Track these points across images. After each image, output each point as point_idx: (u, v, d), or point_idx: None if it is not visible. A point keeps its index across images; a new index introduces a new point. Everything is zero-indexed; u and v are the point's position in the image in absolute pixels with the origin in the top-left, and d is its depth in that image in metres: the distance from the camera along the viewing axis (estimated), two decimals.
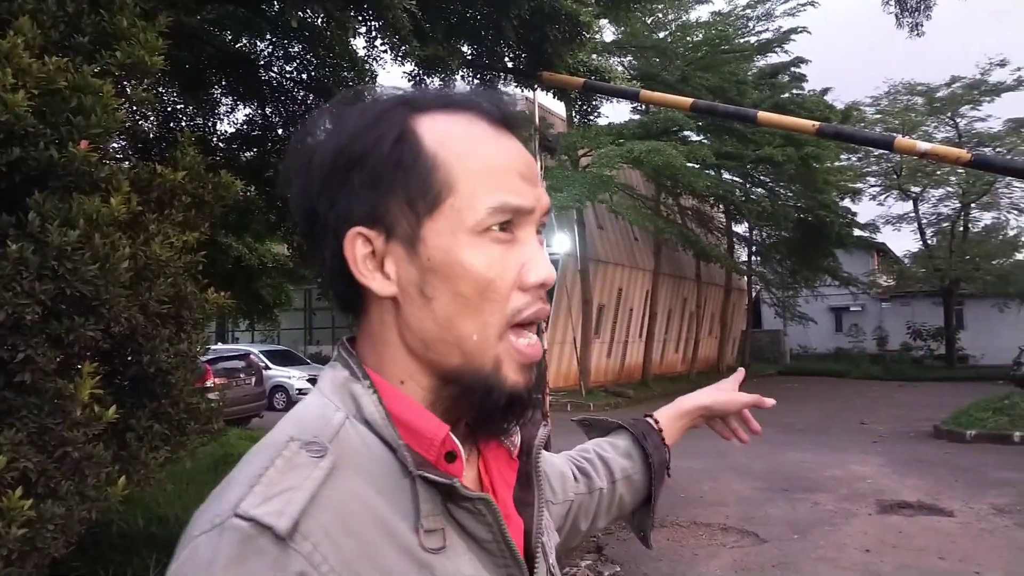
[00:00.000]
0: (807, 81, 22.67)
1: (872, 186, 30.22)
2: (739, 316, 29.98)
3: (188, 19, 4.65)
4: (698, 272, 25.01)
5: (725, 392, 1.17)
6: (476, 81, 5.97)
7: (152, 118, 5.38)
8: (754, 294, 30.96)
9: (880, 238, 30.48)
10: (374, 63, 6.01)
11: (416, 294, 0.64)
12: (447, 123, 0.65)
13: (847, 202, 27.25)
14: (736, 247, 28.03)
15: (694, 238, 22.00)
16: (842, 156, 25.21)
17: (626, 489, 1.06)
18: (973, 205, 29.15)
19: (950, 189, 29.13)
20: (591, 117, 6.71)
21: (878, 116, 27.62)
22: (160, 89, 5.18)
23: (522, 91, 6.55)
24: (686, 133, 19.78)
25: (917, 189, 29.89)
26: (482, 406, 0.65)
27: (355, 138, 0.65)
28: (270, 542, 0.54)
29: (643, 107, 21.26)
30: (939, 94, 27.52)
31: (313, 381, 17.79)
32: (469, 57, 5.76)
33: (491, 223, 0.63)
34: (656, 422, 1.12)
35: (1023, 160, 22.22)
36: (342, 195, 0.65)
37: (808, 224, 24.15)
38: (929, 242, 30.50)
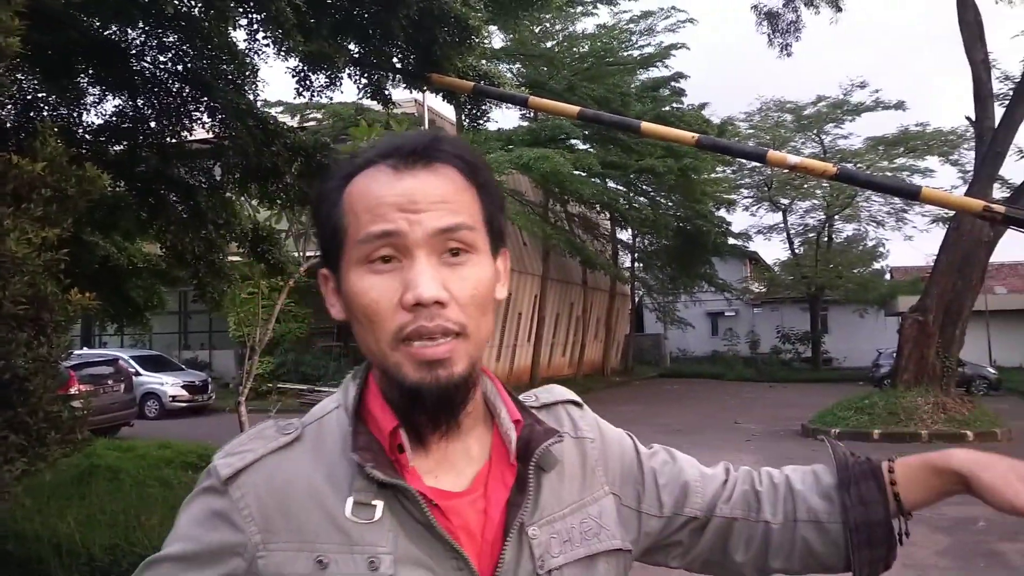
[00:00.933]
0: (686, 95, 23.64)
1: (745, 197, 31.88)
2: (623, 320, 30.86)
3: (51, 0, 4.34)
4: (584, 278, 25.60)
5: (1001, 475, 0.85)
6: (363, 80, 5.87)
7: (9, 105, 4.99)
8: (637, 299, 31.99)
9: (752, 247, 32.22)
10: (256, 57, 5.81)
11: (349, 319, 0.79)
12: (360, 179, 0.78)
13: (722, 212, 28.59)
14: (620, 254, 28.88)
15: (581, 244, 22.50)
16: (718, 168, 26.42)
17: (814, 535, 0.90)
18: (836, 217, 31.23)
19: (816, 202, 31.11)
20: (481, 121, 6.73)
21: (751, 131, 29.19)
22: (18, 75, 4.81)
23: (411, 92, 6.50)
24: (573, 141, 20.22)
25: (786, 201, 31.73)
26: (403, 400, 0.76)
27: (315, 200, 0.83)
28: (216, 483, 0.76)
29: (532, 114, 21.57)
30: (806, 112, 29.34)
31: (187, 387, 16.73)
32: (356, 55, 5.65)
33: (366, 253, 0.75)
34: (890, 470, 0.90)
35: (882, 176, 24.01)
36: (318, 242, 0.84)
37: (687, 232, 25.18)
38: (797, 251, 32.46)
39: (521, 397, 0.90)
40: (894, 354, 18.59)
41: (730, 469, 0.97)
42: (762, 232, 33.13)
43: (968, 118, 16.32)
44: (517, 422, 0.82)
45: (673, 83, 23.28)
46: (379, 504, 0.74)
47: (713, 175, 26.51)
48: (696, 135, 3.56)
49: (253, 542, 0.74)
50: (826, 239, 31.82)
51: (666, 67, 22.60)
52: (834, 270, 29.71)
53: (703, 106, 24.54)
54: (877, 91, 32.08)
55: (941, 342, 15.34)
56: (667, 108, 22.03)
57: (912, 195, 3.99)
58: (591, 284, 26.30)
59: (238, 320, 7.31)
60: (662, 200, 25.21)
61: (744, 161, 28.74)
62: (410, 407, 0.76)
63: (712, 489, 0.93)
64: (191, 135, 6.20)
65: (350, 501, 0.74)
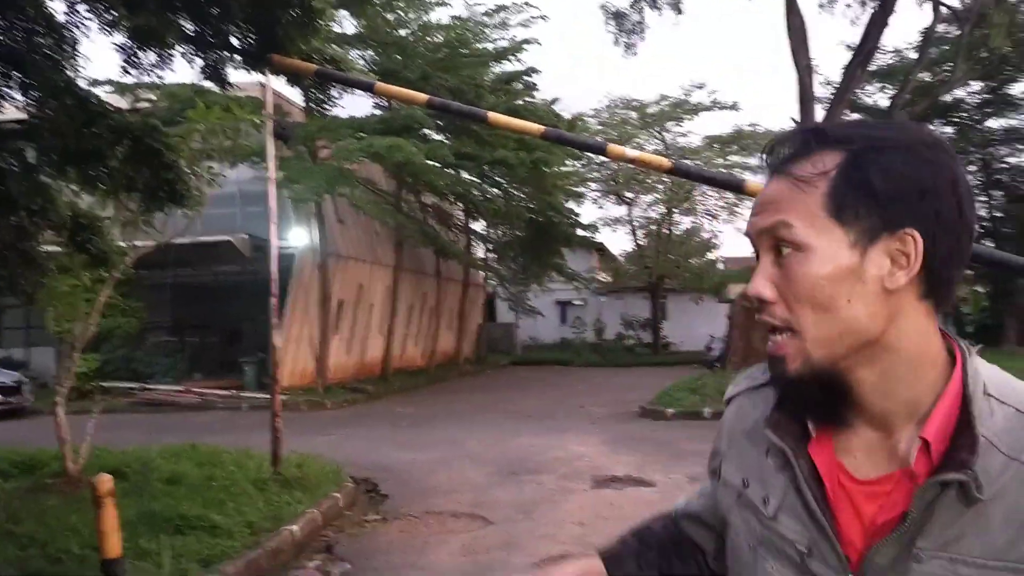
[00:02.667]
0: (538, 90, 24.05)
1: (593, 190, 32.91)
2: (476, 310, 31.09)
3: None
4: (438, 268, 25.56)
5: None
6: (199, 60, 5.56)
7: None
8: (490, 289, 32.35)
9: (599, 238, 33.26)
10: (76, 30, 5.35)
11: None
12: None
13: (572, 204, 29.39)
14: (474, 244, 29.05)
15: (434, 235, 22.42)
16: (568, 162, 27.12)
17: None
18: (675, 210, 32.91)
19: (658, 196, 32.61)
20: (326, 106, 6.55)
21: (600, 127, 30.14)
22: None
23: (251, 74, 6.22)
24: (427, 132, 20.09)
25: (631, 195, 33.07)
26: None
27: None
28: (725, 401, 1.02)
29: (387, 103, 21.25)
30: (650, 110, 30.65)
31: (3, 388, 15.14)
32: (190, 33, 5.34)
33: (753, 250, 0.83)
34: None
35: (713, 171, 25.50)
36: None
37: (538, 224, 25.69)
38: (640, 242, 33.93)
39: (1002, 392, 0.78)
40: (725, 338, 19.94)
41: None
42: (609, 224, 34.35)
43: (793, 119, 17.66)
44: (924, 440, 0.76)
45: (526, 78, 23.59)
46: (783, 459, 0.84)
47: (563, 168, 27.18)
48: (542, 127, 3.62)
49: (723, 447, 0.98)
50: (666, 231, 33.49)
51: (519, 61, 22.91)
52: (673, 260, 31.34)
53: (554, 101, 25.06)
54: (714, 92, 34.20)
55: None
56: (520, 102, 22.30)
57: (737, 188, 4.27)
58: (445, 275, 26.30)
59: (57, 315, 6.74)
60: (515, 192, 25.53)
61: (590, 155, 29.73)
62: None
63: None
64: (1, 114, 5.65)
65: (766, 446, 0.88)
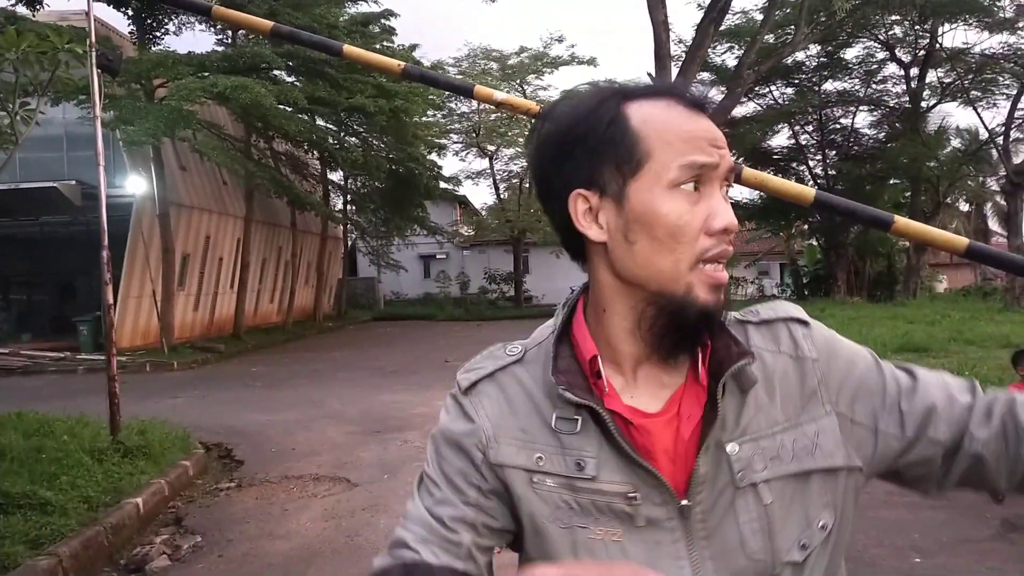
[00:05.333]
0: (397, 35, 23.25)
1: (455, 142, 32.56)
2: (335, 264, 30.18)
3: None
4: (294, 220, 24.44)
5: None
6: None
7: None
8: (350, 243, 31.44)
9: (462, 191, 33.11)
10: None
11: (622, 239, 0.82)
12: (650, 107, 0.82)
13: (434, 156, 28.91)
14: (332, 195, 28.04)
15: (288, 184, 21.34)
16: (429, 112, 26.57)
17: None
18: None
19: (519, 149, 32.69)
20: (157, 34, 5.85)
21: (460, 76, 29.65)
22: None
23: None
24: (277, 73, 18.91)
25: (493, 148, 32.96)
26: (678, 321, 0.81)
27: (578, 121, 0.84)
28: (460, 393, 0.90)
29: (229, 38, 19.78)
30: (510, 61, 30.48)
31: None
32: None
33: (682, 179, 0.80)
34: None
35: None
36: (567, 165, 0.84)
37: (399, 175, 25.08)
38: (502, 196, 33.99)
39: (742, 312, 0.92)
40: None
41: (977, 389, 0.90)
42: (471, 177, 34.21)
43: (650, 75, 17.98)
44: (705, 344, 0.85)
45: (384, 20, 22.72)
46: (579, 419, 0.83)
47: (425, 119, 26.62)
48: (402, 64, 3.21)
49: (487, 435, 0.87)
50: (527, 185, 33.71)
51: (376, 3, 21.98)
52: (534, 215, 31.62)
53: (414, 47, 24.34)
54: (573, 46, 34.38)
55: None
56: (377, 46, 21.47)
57: None
58: (301, 227, 25.21)
59: None
60: (375, 141, 24.75)
61: (454, 105, 29.27)
62: (678, 327, 0.82)
63: (959, 414, 0.87)
64: None
65: (555, 414, 0.85)
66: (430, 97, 23.06)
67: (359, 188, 28.22)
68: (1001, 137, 22.66)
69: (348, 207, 28.71)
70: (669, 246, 0.80)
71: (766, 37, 20.98)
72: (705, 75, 26.60)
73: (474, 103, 25.87)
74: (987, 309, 19.71)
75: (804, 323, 0.91)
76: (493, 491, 0.87)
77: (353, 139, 24.00)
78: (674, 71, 17.96)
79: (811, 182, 28.84)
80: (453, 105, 29.33)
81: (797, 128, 28.79)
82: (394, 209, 27.24)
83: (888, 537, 4.53)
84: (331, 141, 22.03)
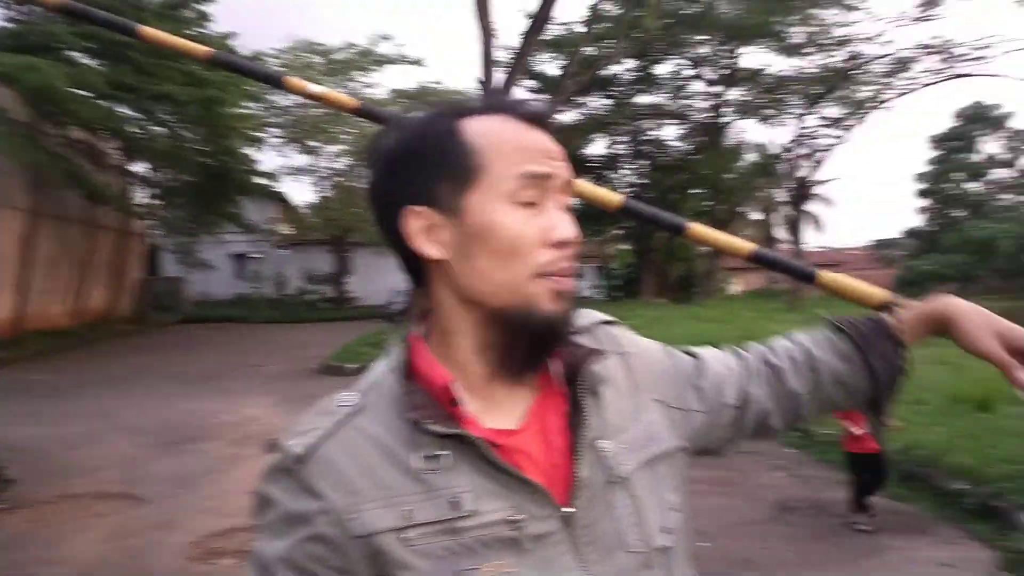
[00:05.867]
0: (212, 21, 21.88)
1: (275, 136, 31.17)
2: (136, 263, 27.95)
3: None
4: (88, 215, 22.30)
5: (977, 326, 0.97)
6: None
7: None
8: (154, 240, 29.23)
9: (281, 188, 31.75)
10: None
11: (461, 256, 0.80)
12: (486, 121, 0.82)
13: (250, 150, 27.53)
14: (134, 188, 25.92)
15: (83, 176, 19.43)
16: (246, 104, 25.26)
17: (839, 392, 1.03)
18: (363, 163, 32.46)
19: (344, 146, 31.90)
20: None
21: (282, 69, 28.45)
22: None
23: None
24: (73, 54, 17.19)
25: (316, 144, 31.92)
26: (525, 336, 0.80)
27: (412, 136, 0.83)
28: (290, 463, 0.78)
29: (18, 14, 17.79)
30: (336, 56, 29.66)
31: None
32: None
33: (517, 190, 0.79)
34: (891, 326, 1.03)
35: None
36: (401, 182, 0.83)
37: (211, 169, 23.61)
38: (325, 194, 33.03)
39: None
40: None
41: (742, 354, 1.06)
42: (291, 173, 32.90)
43: (480, 80, 18.16)
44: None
45: (196, 5, 21.30)
46: (445, 453, 0.78)
47: (241, 110, 25.28)
48: (209, 49, 2.97)
49: (340, 507, 0.76)
50: (352, 184, 32.97)
51: None
52: (358, 214, 30.95)
53: (231, 35, 23.01)
54: (401, 45, 34.08)
55: None
56: (191, 32, 20.10)
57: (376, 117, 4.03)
58: (97, 223, 23.08)
59: None
60: (185, 132, 23.14)
61: (274, 98, 28.05)
62: (526, 340, 0.80)
63: (739, 377, 1.02)
64: None
65: (417, 456, 0.78)
66: (247, 88, 21.93)
67: (166, 181, 26.28)
68: (788, 153, 25.01)
69: (153, 201, 26.66)
70: (508, 260, 0.79)
71: (586, 49, 21.86)
72: (531, 82, 27.36)
73: (298, 97, 24.85)
74: (773, 309, 21.66)
75: (613, 323, 0.99)
76: (364, 570, 0.76)
77: (160, 128, 22.31)
78: (501, 76, 18.26)
79: (625, 189, 30.42)
80: (273, 98, 28.06)
81: (612, 138, 30.28)
82: (205, 205, 25.58)
83: None
84: (134, 130, 20.35)
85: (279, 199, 33.81)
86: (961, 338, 0.98)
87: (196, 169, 23.34)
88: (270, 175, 29.22)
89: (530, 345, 0.81)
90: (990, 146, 34.20)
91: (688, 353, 1.03)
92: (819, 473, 5.94)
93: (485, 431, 0.80)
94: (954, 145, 34.16)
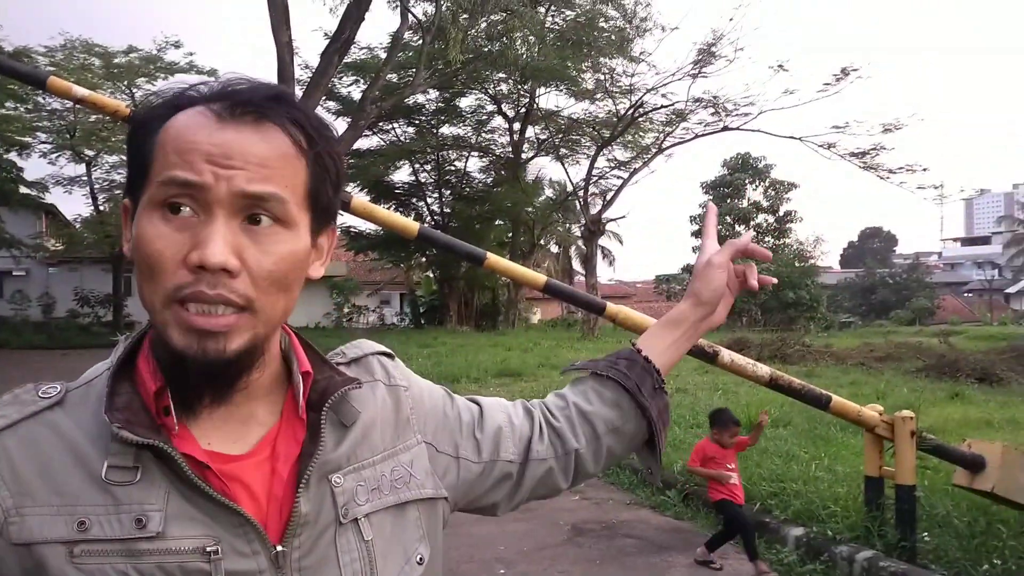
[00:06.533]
0: None
1: (43, 143, 28.22)
2: None
3: None
4: None
5: (702, 265, 1.06)
6: None
7: None
8: None
9: (49, 199, 28.79)
10: None
11: (133, 260, 0.72)
12: (183, 116, 0.72)
13: (13, 156, 24.72)
14: None
15: None
16: (8, 104, 22.72)
17: (614, 441, 1.02)
18: None
19: (123, 156, 29.44)
20: None
21: (52, 69, 25.87)
22: None
23: None
24: None
25: (92, 152, 29.27)
26: (170, 363, 0.72)
27: (134, 127, 0.75)
28: None
29: None
30: (117, 60, 27.46)
31: None
32: None
33: (163, 197, 0.69)
34: (645, 358, 1.03)
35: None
36: (128, 169, 0.75)
37: None
38: (102, 207, 30.30)
39: (328, 355, 0.87)
40: None
41: (532, 410, 1.02)
42: (62, 183, 29.88)
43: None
44: (306, 374, 0.80)
45: None
46: (139, 466, 0.70)
47: (3, 111, 22.69)
48: None
49: (3, 507, 0.68)
50: None
51: None
52: None
53: None
54: (192, 54, 32.23)
55: None
56: None
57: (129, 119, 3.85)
58: None
59: None
60: None
61: (43, 99, 25.46)
62: (175, 372, 0.72)
63: (522, 433, 0.98)
64: None
65: (106, 463, 0.70)
66: (10, 87, 19.76)
67: None
68: (582, 191, 26.52)
69: None
70: (148, 277, 0.70)
71: (390, 76, 21.92)
72: (331, 104, 26.92)
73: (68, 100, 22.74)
74: (569, 338, 22.76)
75: (390, 356, 0.94)
76: None
77: None
78: (299, 94, 17.80)
79: (428, 218, 30.69)
80: (41, 99, 25.43)
81: (417, 166, 30.50)
82: None
83: (477, 551, 4.86)
84: None
85: (47, 211, 30.59)
86: (711, 281, 1.04)
87: None
88: (38, 184, 26.41)
89: (184, 377, 0.72)
90: (755, 193, 38.40)
91: (473, 401, 0.99)
92: (611, 496, 6.28)
93: (199, 450, 0.72)
94: (724, 191, 37.98)
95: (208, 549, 0.70)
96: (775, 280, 1.14)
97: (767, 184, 38.39)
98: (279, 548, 0.72)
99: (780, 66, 21.04)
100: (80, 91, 3.45)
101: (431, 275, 32.58)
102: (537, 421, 1.00)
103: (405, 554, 0.81)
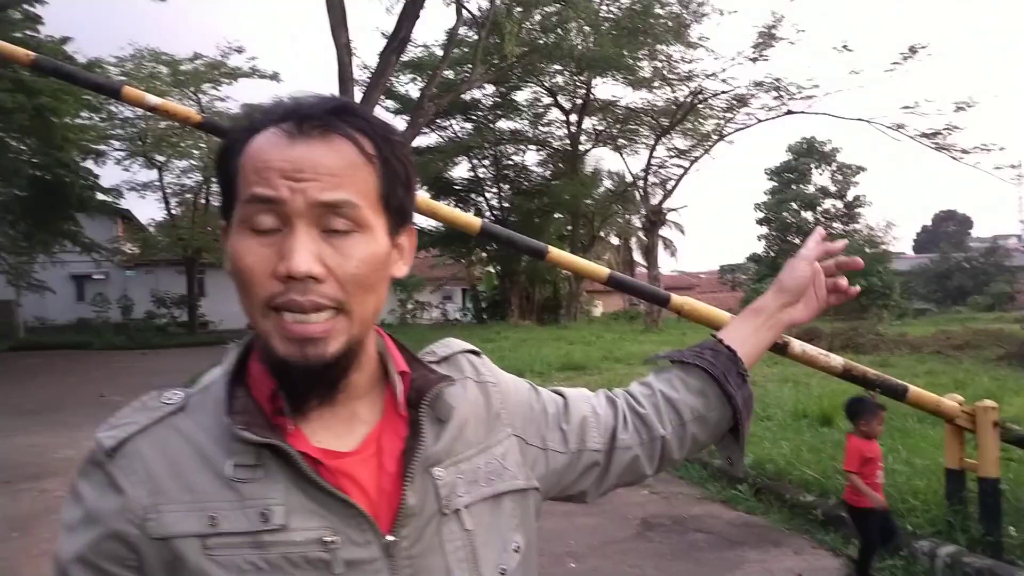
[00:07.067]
0: (43, 24, 20.42)
1: (117, 150, 29.39)
2: None
3: None
4: None
5: (790, 264, 1.10)
6: None
7: None
8: None
9: (125, 204, 29.94)
10: None
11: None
12: (258, 139, 0.76)
13: (90, 163, 25.80)
14: None
15: None
16: (84, 114, 23.67)
17: (699, 429, 1.04)
18: (213, 179, 31.13)
19: (194, 162, 30.48)
20: None
21: (123, 78, 26.88)
22: None
23: None
24: None
25: (163, 158, 30.32)
26: (277, 369, 0.76)
27: (221, 153, 0.81)
28: (100, 455, 0.76)
29: None
30: (183, 67, 28.36)
31: None
32: None
33: (249, 215, 0.74)
34: (729, 348, 1.05)
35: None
36: (220, 192, 0.81)
37: (45, 183, 21.93)
38: (174, 212, 31.38)
39: (420, 353, 0.92)
40: None
41: (615, 399, 1.05)
42: (136, 189, 31.08)
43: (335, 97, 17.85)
44: (403, 373, 0.85)
45: (27, 7, 19.82)
46: (260, 464, 0.75)
47: (78, 121, 23.64)
48: (32, 54, 2.87)
49: (142, 504, 0.74)
50: (203, 201, 31.52)
51: None
52: (211, 232, 29.64)
53: (65, 40, 21.53)
54: (254, 59, 33.11)
55: None
56: (19, 35, 18.66)
57: (216, 130, 3.97)
58: None
59: None
60: (13, 143, 21.37)
61: (116, 108, 26.42)
62: (282, 376, 0.76)
63: (607, 423, 1.01)
64: None
65: (230, 463, 0.75)
66: (85, 97, 20.58)
67: None
68: (641, 181, 26.25)
69: None
70: (243, 290, 0.76)
71: (446, 73, 22.07)
72: (390, 102, 27.27)
73: (140, 108, 23.57)
74: (632, 331, 22.60)
75: (476, 353, 0.97)
76: (162, 574, 0.73)
77: None
78: (359, 94, 18.08)
79: (488, 213, 30.82)
80: (114, 108, 26.43)
81: (475, 162, 30.66)
82: (38, 222, 23.68)
83: (547, 545, 4.87)
84: None
85: (123, 216, 31.83)
86: (797, 279, 1.09)
87: (27, 183, 21.60)
88: (113, 191, 27.49)
89: (291, 379, 0.76)
90: (821, 178, 37.43)
91: (557, 393, 1.02)
92: (681, 490, 6.23)
93: (312, 448, 0.77)
94: (789, 177, 37.07)
95: (326, 540, 0.75)
96: (860, 261, 1.14)
97: (834, 168, 37.36)
98: (390, 538, 0.77)
99: (844, 46, 20.48)
100: (153, 99, 3.58)
101: (492, 270, 32.72)
102: (621, 410, 1.03)
103: (503, 542, 0.85)
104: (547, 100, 28.73)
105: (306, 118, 0.75)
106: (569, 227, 30.98)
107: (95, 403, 12.54)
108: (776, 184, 37.95)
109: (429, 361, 0.91)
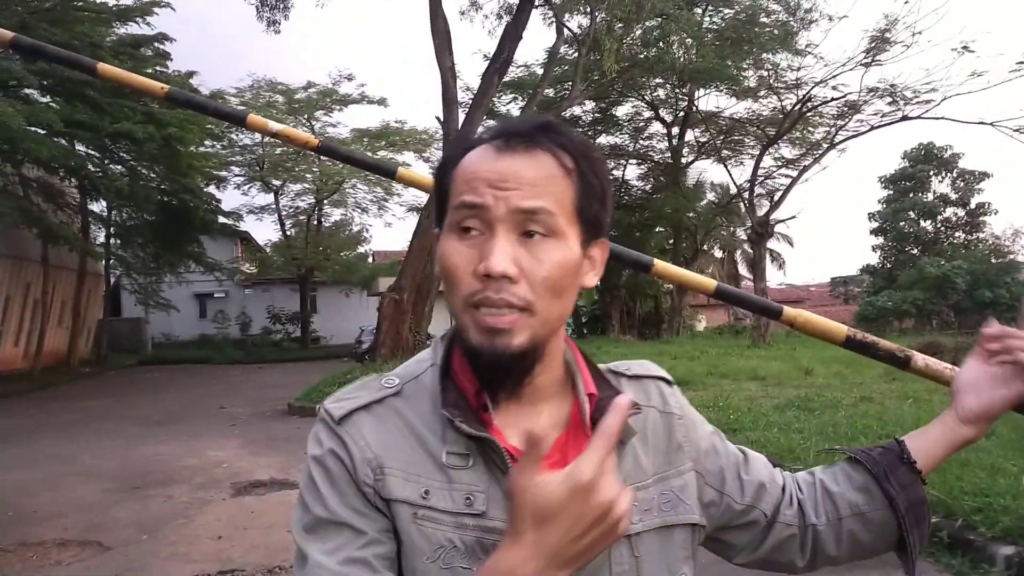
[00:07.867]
0: (172, 60, 21.90)
1: (237, 175, 31.08)
2: (95, 304, 27.43)
3: None
4: (45, 254, 21.90)
5: (963, 369, 1.04)
6: None
7: None
8: (113, 280, 28.75)
9: (244, 226, 31.54)
10: None
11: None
12: (472, 153, 0.84)
13: (212, 189, 27.39)
14: (93, 228, 25.56)
15: (39, 215, 19.14)
16: (207, 143, 25.17)
17: (859, 527, 1.00)
18: (325, 201, 32.45)
19: (307, 185, 31.87)
20: None
21: (242, 107, 28.45)
22: None
23: None
24: (29, 91, 17.03)
25: (278, 182, 31.84)
26: (469, 359, 0.83)
27: (439, 169, 0.88)
28: (331, 422, 0.84)
29: None
30: (298, 96, 29.75)
31: None
32: None
33: (457, 220, 0.81)
34: (903, 449, 1.00)
35: (361, 152, 25.56)
36: (435, 204, 0.89)
37: (172, 208, 23.43)
38: (288, 233, 32.85)
39: (614, 366, 0.97)
40: (374, 330, 20.12)
41: (784, 473, 1.04)
42: (254, 212, 32.76)
43: (438, 118, 18.33)
44: (591, 395, 0.88)
45: (157, 44, 21.33)
46: (470, 454, 0.82)
47: (202, 149, 25.18)
48: (166, 86, 3.00)
49: (373, 466, 0.81)
50: (315, 222, 32.86)
51: (148, 25, 20.59)
52: (323, 252, 30.87)
53: (191, 74, 23.03)
54: (363, 85, 34.46)
55: (413, 318, 16.98)
56: (149, 71, 20.06)
57: (390, 174, 4.07)
58: (54, 262, 22.65)
59: None
60: (143, 170, 22.97)
61: (235, 136, 27.97)
62: (475, 368, 0.83)
63: (776, 494, 1.00)
64: None
65: (444, 449, 0.82)
66: (208, 126, 21.89)
67: (125, 220, 25.95)
68: (747, 192, 25.56)
69: (112, 241, 26.28)
70: (448, 287, 0.82)
71: (547, 91, 22.24)
72: (491, 122, 27.66)
73: (258, 135, 24.93)
74: (738, 346, 21.92)
75: (668, 382, 0.99)
76: (387, 527, 0.81)
77: (118, 167, 22.09)
78: (462, 116, 18.47)
79: None
80: (234, 136, 28.01)
81: None
82: (166, 244, 25.31)
83: None
84: (91, 168, 20.12)
85: (242, 238, 33.55)
86: (971, 378, 1.01)
87: (156, 208, 23.12)
88: (233, 214, 29.04)
89: (482, 370, 0.82)
90: (941, 186, 35.39)
91: (740, 447, 1.03)
92: None
93: (510, 446, 0.83)
94: (905, 185, 35.26)
95: None
96: None
97: (955, 175, 35.28)
98: None
99: (965, 47, 19.26)
100: (275, 126, 3.76)
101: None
102: (788, 488, 1.02)
103: (669, 571, 0.88)
104: (648, 113, 28.46)
105: (514, 135, 0.82)
106: (671, 241, 30.50)
107: (216, 414, 13.26)
108: (891, 192, 36.15)
109: (622, 373, 0.96)
